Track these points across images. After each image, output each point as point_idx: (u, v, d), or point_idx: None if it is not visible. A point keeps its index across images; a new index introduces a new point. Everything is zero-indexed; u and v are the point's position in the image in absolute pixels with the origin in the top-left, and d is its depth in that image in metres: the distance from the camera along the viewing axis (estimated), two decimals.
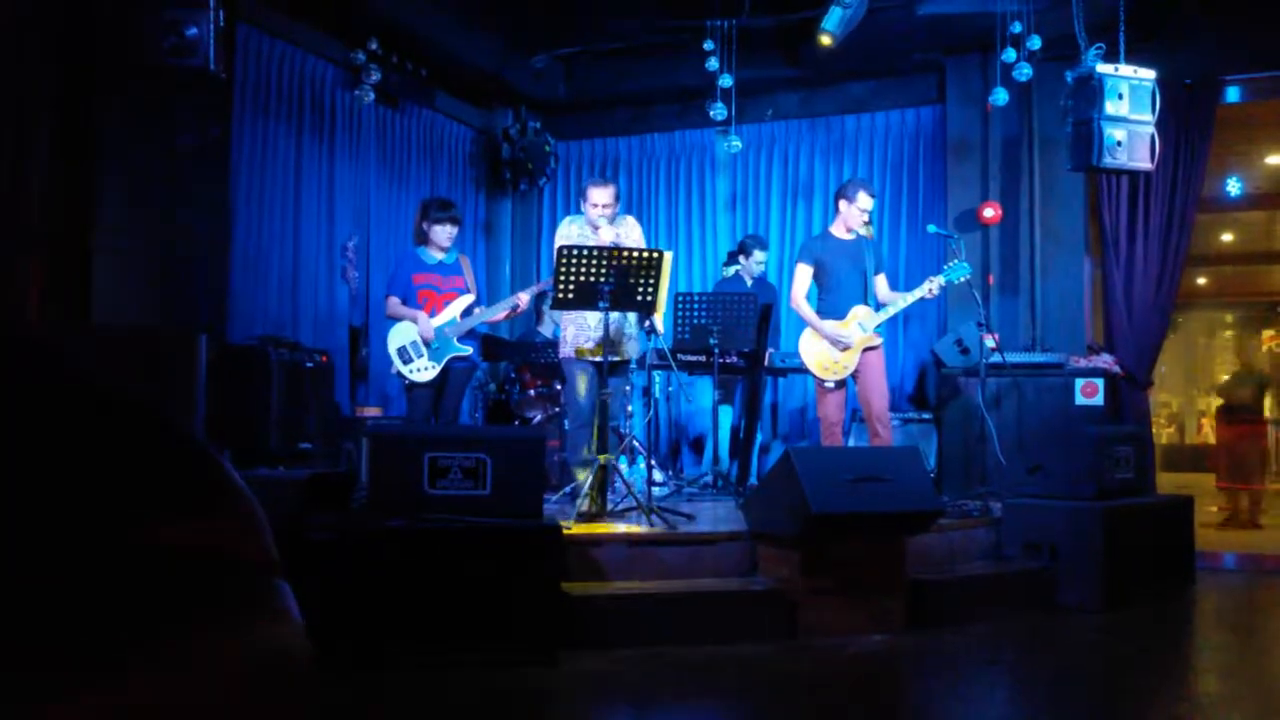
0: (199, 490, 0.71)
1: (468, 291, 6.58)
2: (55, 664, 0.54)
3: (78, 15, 5.44)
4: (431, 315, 6.46)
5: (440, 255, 6.61)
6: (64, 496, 0.61)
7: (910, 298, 6.41)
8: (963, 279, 6.34)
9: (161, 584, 0.65)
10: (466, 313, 6.50)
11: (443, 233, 6.55)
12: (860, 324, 6.38)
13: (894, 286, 8.82)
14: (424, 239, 6.64)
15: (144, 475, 0.68)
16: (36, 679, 0.54)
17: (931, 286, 6.35)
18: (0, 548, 0.55)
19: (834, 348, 6.39)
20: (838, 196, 6.61)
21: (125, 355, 4.92)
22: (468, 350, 6.51)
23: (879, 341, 6.47)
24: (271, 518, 0.82)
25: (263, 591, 0.76)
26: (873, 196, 6.55)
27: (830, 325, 6.39)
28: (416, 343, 6.39)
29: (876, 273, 6.58)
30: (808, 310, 6.49)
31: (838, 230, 6.58)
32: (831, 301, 6.47)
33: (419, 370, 6.38)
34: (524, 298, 6.66)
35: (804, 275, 6.52)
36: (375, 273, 8.24)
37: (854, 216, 6.48)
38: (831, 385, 6.45)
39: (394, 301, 6.54)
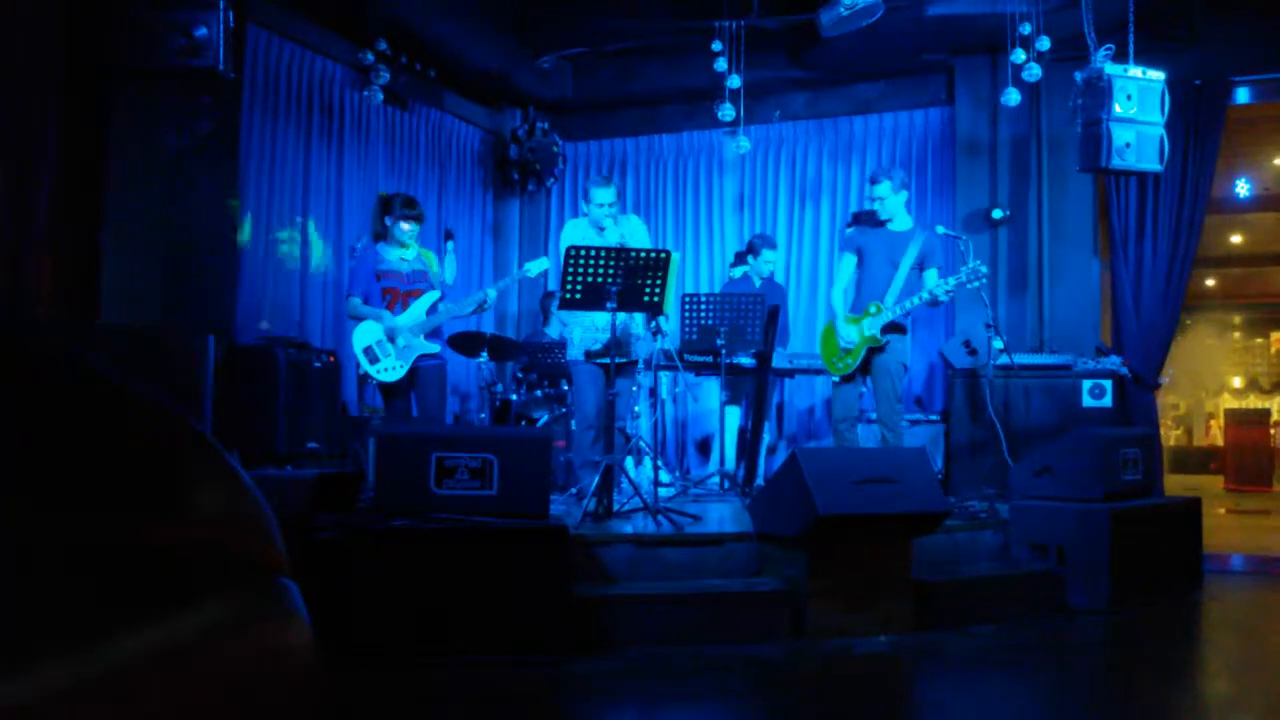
0: (208, 489, 0.71)
1: (432, 288, 6.45)
2: (59, 661, 0.55)
3: (88, 16, 5.46)
4: (396, 312, 6.30)
5: (402, 251, 6.42)
6: (71, 492, 0.61)
7: (915, 301, 6.21)
8: (977, 284, 6.13)
9: (168, 582, 0.65)
10: (432, 310, 6.37)
11: (407, 230, 6.36)
12: (866, 323, 6.20)
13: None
14: (383, 234, 6.50)
15: (152, 472, 0.68)
16: (40, 677, 0.54)
17: (946, 288, 6.17)
18: (4, 544, 0.55)
19: (840, 341, 6.28)
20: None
21: (133, 355, 4.93)
22: (435, 348, 6.38)
23: (883, 343, 6.19)
24: (279, 517, 0.82)
25: (270, 591, 0.76)
26: (874, 184, 6.36)
27: (842, 323, 6.27)
28: (384, 341, 6.24)
29: (925, 268, 6.28)
30: (839, 302, 6.34)
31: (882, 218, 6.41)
32: (859, 295, 6.32)
33: (386, 370, 6.24)
34: (492, 294, 6.58)
35: (845, 266, 6.40)
36: None
37: (887, 209, 6.33)
38: (837, 380, 6.35)
39: (356, 302, 6.35)
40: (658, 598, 4.61)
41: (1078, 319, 8.01)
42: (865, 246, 6.34)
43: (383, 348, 6.23)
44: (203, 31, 5.28)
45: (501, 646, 4.16)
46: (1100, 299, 8.22)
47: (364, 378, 6.58)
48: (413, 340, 6.24)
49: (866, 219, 7.69)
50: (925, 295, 6.15)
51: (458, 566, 4.20)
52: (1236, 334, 18.33)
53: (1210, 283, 15.73)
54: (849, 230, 6.54)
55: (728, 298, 7.05)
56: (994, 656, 4.59)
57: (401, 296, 6.31)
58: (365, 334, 6.27)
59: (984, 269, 6.18)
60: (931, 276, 6.28)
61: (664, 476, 6.71)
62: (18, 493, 0.55)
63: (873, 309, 6.24)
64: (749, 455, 7.48)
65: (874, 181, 6.40)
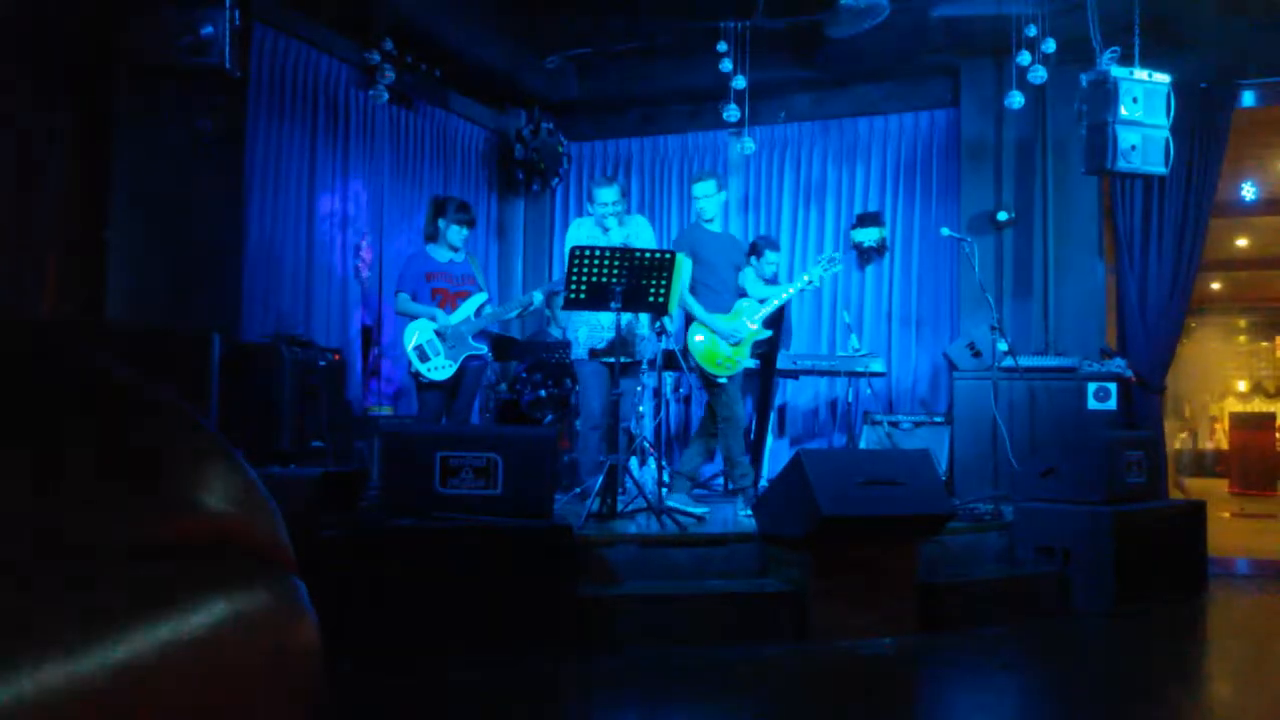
0: (216, 486, 0.71)
1: (479, 289, 6.57)
2: (68, 658, 0.55)
3: (95, 14, 5.47)
4: (446, 312, 6.43)
5: (451, 254, 6.57)
6: (78, 489, 0.61)
7: (789, 291, 6.27)
8: (837, 268, 6.31)
9: (176, 579, 0.65)
10: (478, 311, 6.48)
11: (458, 234, 6.51)
12: (746, 318, 6.08)
13: (909, 291, 8.86)
14: (434, 236, 6.60)
15: (161, 470, 0.68)
16: (49, 674, 0.54)
17: (809, 278, 6.21)
18: (13, 538, 0.55)
19: (725, 343, 6.03)
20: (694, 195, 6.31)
21: (138, 352, 4.94)
22: (483, 349, 6.50)
23: (768, 334, 6.23)
24: (283, 515, 0.82)
25: (279, 588, 0.76)
26: (695, 183, 6.25)
27: (720, 319, 6.03)
28: (434, 340, 6.35)
29: (739, 269, 6.30)
30: (695, 304, 6.04)
31: (707, 222, 6.25)
32: (714, 297, 6.10)
33: (437, 369, 6.35)
34: (538, 297, 6.66)
35: (686, 267, 6.07)
36: (388, 272, 8.26)
37: (707, 208, 6.20)
38: (724, 381, 6.09)
39: (405, 298, 6.47)
40: (661, 598, 4.61)
41: (1083, 321, 8.00)
42: (700, 249, 6.11)
43: (433, 346, 6.34)
44: (209, 30, 5.28)
45: (505, 646, 4.16)
46: (1105, 302, 8.21)
47: (372, 374, 6.60)
48: (462, 340, 6.34)
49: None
50: (803, 283, 6.24)
51: (462, 566, 4.20)
52: (1242, 338, 18.29)
53: (1215, 286, 15.70)
54: (691, 231, 6.29)
55: None
56: (998, 658, 4.58)
57: (451, 298, 6.43)
58: (417, 332, 6.35)
59: (839, 254, 6.43)
60: (748, 275, 6.33)
61: (668, 477, 6.70)
62: (25, 490, 0.55)
63: (745, 305, 6.14)
64: (753, 455, 7.48)
65: (696, 180, 6.28)
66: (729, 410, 6.07)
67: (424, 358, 6.35)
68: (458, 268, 6.54)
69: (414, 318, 6.42)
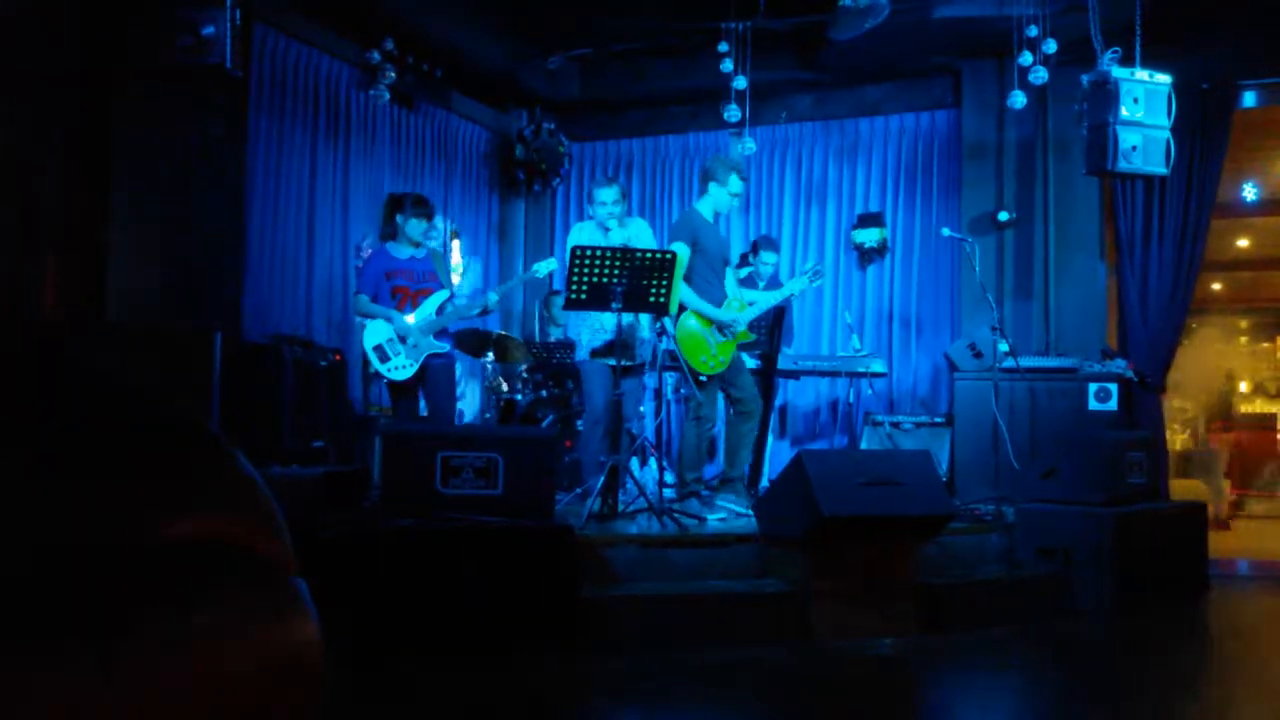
0: (218, 487, 0.71)
1: (441, 287, 6.46)
2: (70, 656, 0.55)
3: (96, 14, 5.47)
4: (406, 311, 6.29)
5: (412, 250, 6.42)
6: (84, 491, 0.61)
7: (775, 299, 6.29)
8: (819, 281, 6.31)
9: (179, 578, 0.65)
10: (440, 309, 6.36)
11: (417, 228, 6.35)
12: (738, 316, 5.99)
13: (909, 291, 8.86)
14: (393, 234, 6.50)
15: (164, 471, 0.68)
16: (52, 673, 0.54)
17: (792, 288, 6.24)
18: (23, 542, 0.55)
19: (712, 338, 5.91)
20: (707, 177, 6.12)
21: (140, 353, 4.94)
22: (445, 347, 6.38)
23: (753, 338, 6.19)
24: (285, 516, 0.83)
25: (280, 588, 0.76)
26: (744, 180, 6.15)
27: (719, 311, 5.90)
28: (394, 340, 6.25)
29: (727, 263, 6.22)
30: (691, 293, 5.87)
31: (706, 210, 6.12)
32: (710, 289, 5.97)
33: (397, 369, 6.25)
34: (493, 297, 6.59)
35: (683, 256, 5.86)
36: None
37: (724, 201, 6.11)
38: (704, 379, 5.95)
39: (364, 300, 6.33)
40: (662, 599, 4.61)
41: (1083, 322, 7.99)
42: (701, 237, 5.95)
43: (393, 346, 6.24)
44: (210, 30, 5.29)
45: (506, 647, 4.16)
46: (1106, 302, 8.21)
47: (371, 376, 6.56)
48: (423, 339, 6.25)
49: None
50: (787, 292, 6.26)
51: (462, 566, 4.20)
52: (1243, 338, 18.27)
53: (1216, 287, 15.68)
54: (690, 218, 6.10)
55: None
56: (999, 659, 4.58)
57: (411, 296, 6.31)
58: (376, 333, 6.28)
59: (823, 267, 6.42)
60: (728, 275, 6.24)
61: (669, 477, 6.71)
62: (35, 494, 0.55)
63: (736, 304, 6.06)
64: (754, 456, 7.47)
65: (736, 169, 6.11)
66: (703, 411, 5.98)
67: (384, 358, 6.25)
68: (419, 264, 6.40)
69: (373, 318, 6.33)
